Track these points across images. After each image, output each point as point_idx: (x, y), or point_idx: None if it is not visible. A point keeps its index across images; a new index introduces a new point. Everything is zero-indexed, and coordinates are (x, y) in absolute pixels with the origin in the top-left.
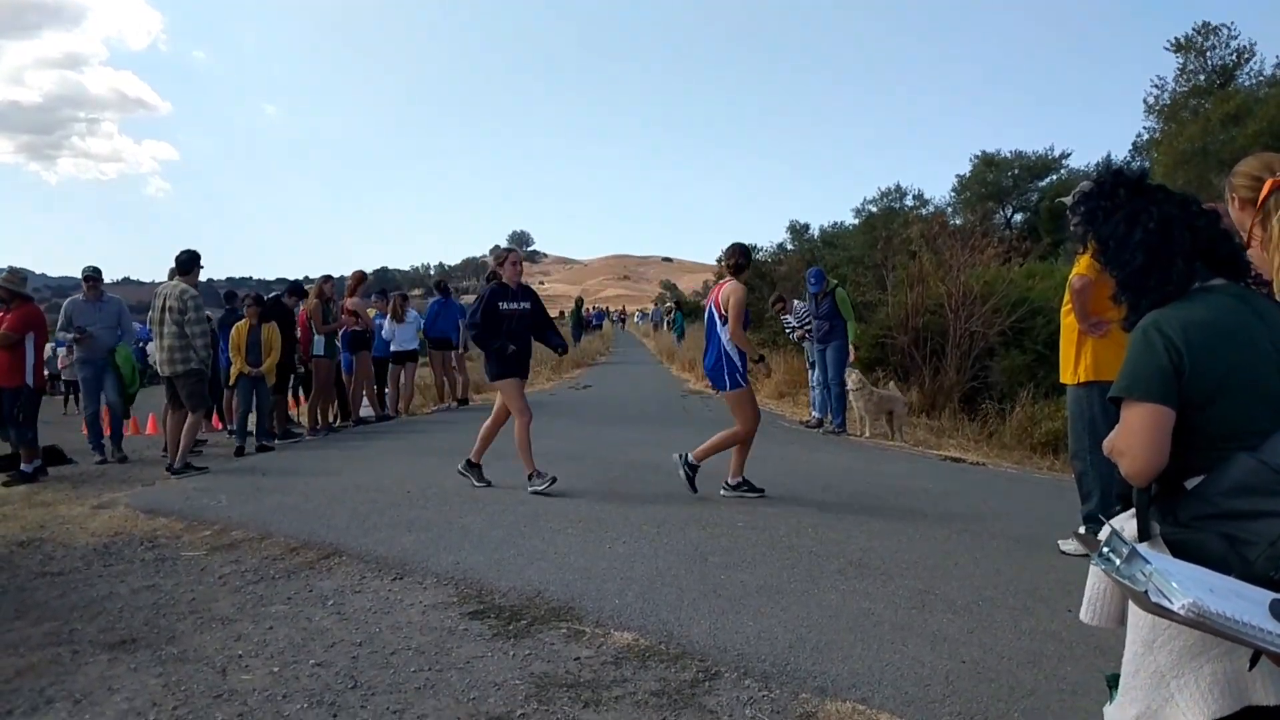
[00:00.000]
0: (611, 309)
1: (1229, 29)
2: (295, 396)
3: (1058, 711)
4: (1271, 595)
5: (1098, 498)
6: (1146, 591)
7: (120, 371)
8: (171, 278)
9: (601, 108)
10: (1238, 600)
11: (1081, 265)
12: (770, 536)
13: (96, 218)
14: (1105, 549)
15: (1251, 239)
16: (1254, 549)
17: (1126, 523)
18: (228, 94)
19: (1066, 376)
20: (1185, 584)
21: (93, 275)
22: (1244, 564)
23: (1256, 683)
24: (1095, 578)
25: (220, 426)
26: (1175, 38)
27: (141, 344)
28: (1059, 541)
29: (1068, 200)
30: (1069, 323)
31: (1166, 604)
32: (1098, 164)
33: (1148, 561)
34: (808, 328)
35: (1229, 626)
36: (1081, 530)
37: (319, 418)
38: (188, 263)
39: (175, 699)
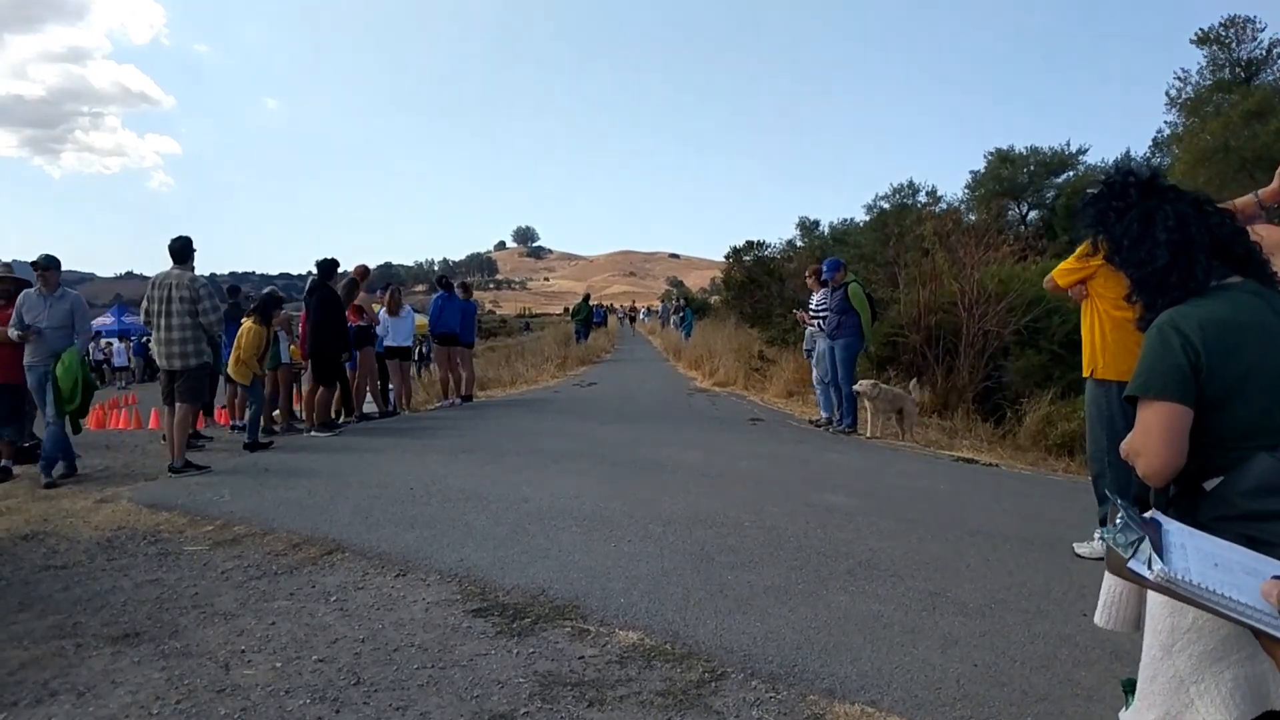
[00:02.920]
0: (619, 305)
1: (1255, 23)
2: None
3: (1071, 717)
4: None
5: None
6: (1128, 558)
7: (60, 382)
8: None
9: (607, 102)
10: (1242, 575)
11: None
12: (778, 536)
13: (100, 212)
14: (1119, 518)
15: None
16: (1275, 550)
17: None
18: (230, 88)
19: (1086, 371)
20: (1189, 555)
21: (46, 264)
22: None
23: (1278, 687)
24: (1111, 581)
25: (226, 421)
26: (1200, 30)
27: (144, 339)
28: (1074, 545)
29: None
30: (1089, 317)
31: (1142, 571)
32: (1116, 160)
33: (1142, 532)
34: (823, 314)
35: (1198, 595)
36: (1097, 534)
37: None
38: (183, 250)
39: (178, 693)
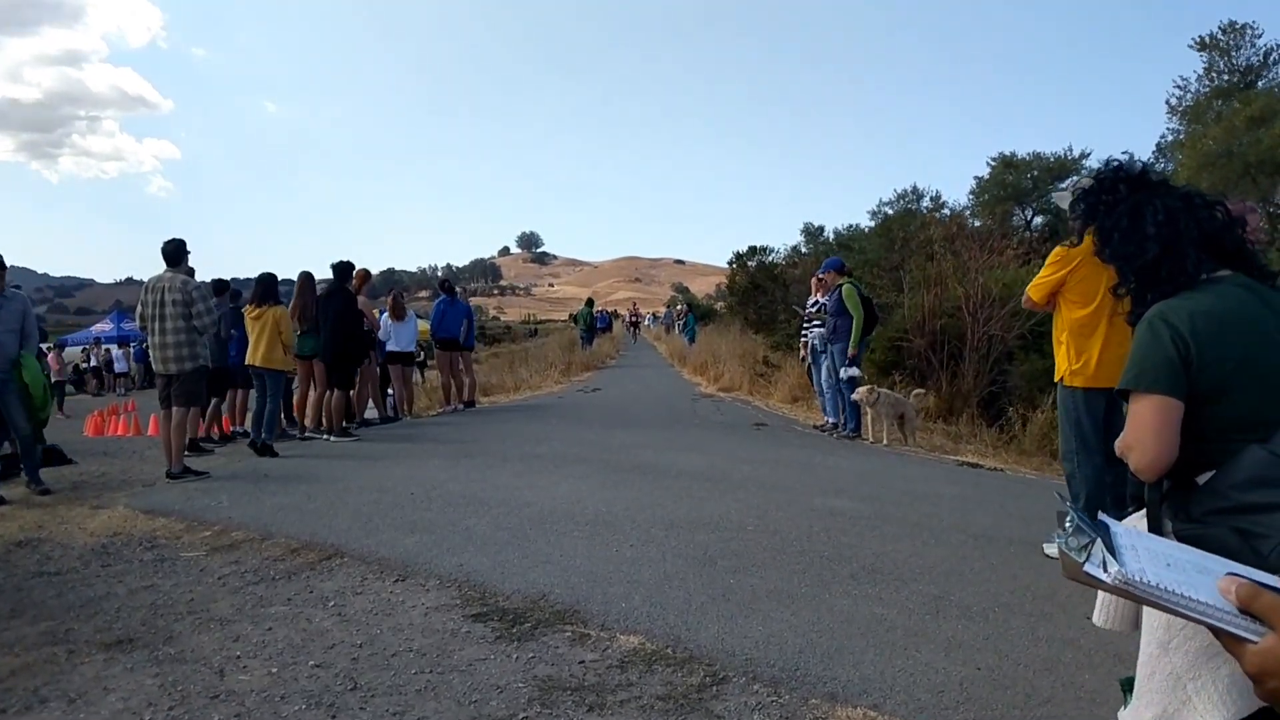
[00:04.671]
0: (623, 311)
1: (1254, 28)
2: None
3: (1075, 719)
4: (1230, 567)
5: (1084, 500)
6: (1083, 562)
7: (30, 390)
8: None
9: (613, 107)
10: (1195, 574)
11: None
12: (781, 540)
13: (98, 216)
14: (1066, 523)
15: None
16: (1267, 542)
17: (1139, 521)
18: (229, 91)
19: (1057, 375)
20: (1137, 555)
21: None
22: (1258, 558)
23: None
24: None
25: (228, 429)
26: (1199, 37)
27: (144, 344)
28: (1044, 545)
29: (1065, 197)
30: (1058, 322)
31: (1098, 574)
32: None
33: (1094, 534)
34: (812, 314)
35: (1156, 596)
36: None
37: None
38: (176, 253)
39: (171, 699)
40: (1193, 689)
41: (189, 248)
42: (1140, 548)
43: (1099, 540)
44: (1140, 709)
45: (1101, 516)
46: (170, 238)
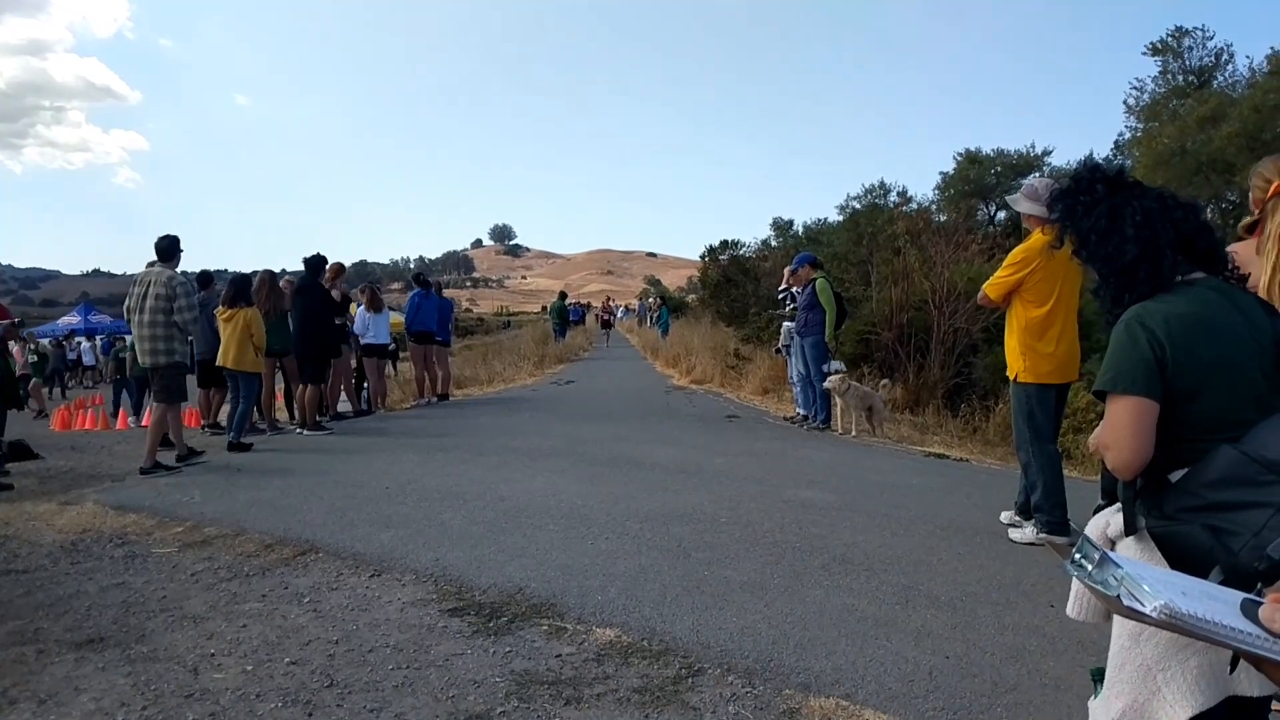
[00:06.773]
0: (596, 303)
1: (1203, 31)
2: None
3: (1040, 706)
4: (1242, 595)
5: (1040, 488)
6: (1119, 596)
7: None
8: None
9: (584, 101)
10: (1210, 602)
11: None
12: (754, 532)
13: (65, 208)
14: (1077, 555)
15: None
16: (1238, 539)
17: (1113, 517)
18: (198, 83)
19: (1010, 373)
20: (1157, 587)
21: None
22: (1228, 555)
23: (1240, 674)
24: None
25: (196, 423)
26: (1152, 42)
27: (108, 337)
28: (1009, 528)
29: (1017, 200)
30: (1011, 321)
31: (1139, 607)
32: (1079, 161)
33: (1119, 565)
34: (793, 309)
35: (1201, 627)
36: (1032, 522)
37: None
38: (169, 249)
39: (144, 699)
40: (1162, 680)
41: (181, 246)
42: (1147, 576)
43: (1126, 573)
44: (1111, 699)
45: (1100, 546)
46: (165, 234)
